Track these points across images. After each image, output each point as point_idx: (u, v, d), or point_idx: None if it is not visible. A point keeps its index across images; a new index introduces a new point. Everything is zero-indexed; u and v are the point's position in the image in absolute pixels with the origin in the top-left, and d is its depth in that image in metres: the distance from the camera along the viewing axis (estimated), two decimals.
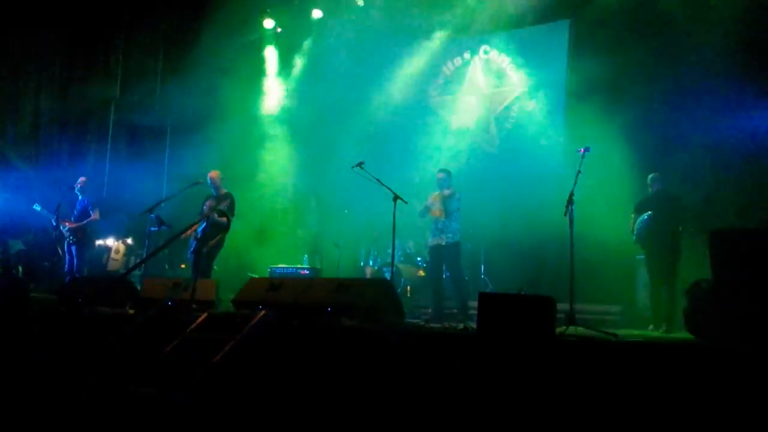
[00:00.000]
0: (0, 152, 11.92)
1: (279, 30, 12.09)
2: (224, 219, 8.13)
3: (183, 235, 7.70)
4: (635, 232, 7.42)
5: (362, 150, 9.54)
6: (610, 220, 7.87)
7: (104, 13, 12.38)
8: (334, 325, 5.88)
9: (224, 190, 8.58)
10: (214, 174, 8.61)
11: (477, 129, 10.57)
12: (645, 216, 7.31)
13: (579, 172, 6.27)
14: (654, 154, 8.50)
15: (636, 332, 6.73)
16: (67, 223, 9.22)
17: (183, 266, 10.17)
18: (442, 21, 10.57)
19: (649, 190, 7.54)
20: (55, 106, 12.54)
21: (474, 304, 5.79)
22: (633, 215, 7.54)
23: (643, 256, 7.69)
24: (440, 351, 5.18)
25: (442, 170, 8.46)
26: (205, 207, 8.47)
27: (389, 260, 8.14)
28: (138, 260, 10.31)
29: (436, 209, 8.16)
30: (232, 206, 8.39)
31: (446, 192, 8.19)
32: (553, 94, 9.88)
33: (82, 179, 9.52)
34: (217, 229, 8.14)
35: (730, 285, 5.38)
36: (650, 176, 7.57)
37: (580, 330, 5.56)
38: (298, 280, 8.59)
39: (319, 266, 10.52)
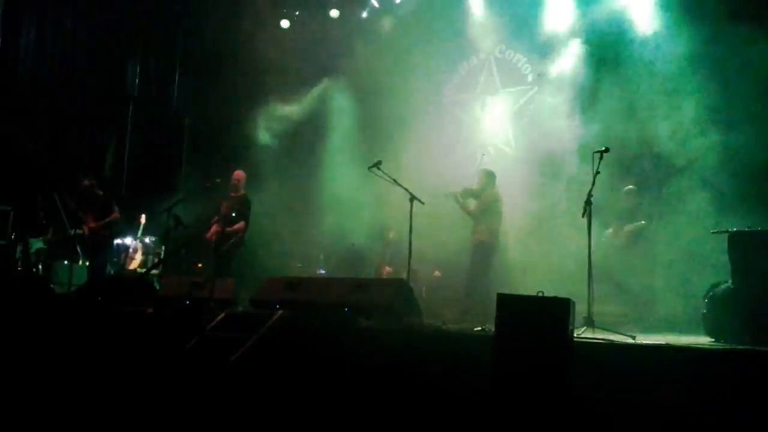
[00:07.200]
0: (20, 149, 11.99)
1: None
2: (243, 221, 8.18)
3: (203, 235, 7.76)
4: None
5: (378, 150, 9.52)
6: None
7: (123, 12, 12.45)
8: (352, 324, 5.91)
9: (243, 192, 8.59)
10: (239, 174, 8.63)
11: (492, 128, 10.55)
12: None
13: (597, 172, 6.21)
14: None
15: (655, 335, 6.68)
16: (90, 223, 9.13)
17: (200, 265, 10.21)
18: (456, 25, 10.61)
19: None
20: (74, 104, 12.60)
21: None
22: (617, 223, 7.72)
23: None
24: (457, 351, 5.19)
25: (482, 170, 8.53)
26: (222, 208, 8.50)
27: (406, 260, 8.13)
28: (156, 259, 10.38)
29: (471, 208, 8.24)
30: (249, 208, 8.45)
31: (481, 192, 8.26)
32: (569, 93, 9.81)
33: (87, 182, 9.28)
34: (236, 230, 8.20)
35: (750, 286, 5.35)
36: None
37: (599, 332, 5.55)
38: (315, 279, 8.62)
39: (335, 266, 10.53)
